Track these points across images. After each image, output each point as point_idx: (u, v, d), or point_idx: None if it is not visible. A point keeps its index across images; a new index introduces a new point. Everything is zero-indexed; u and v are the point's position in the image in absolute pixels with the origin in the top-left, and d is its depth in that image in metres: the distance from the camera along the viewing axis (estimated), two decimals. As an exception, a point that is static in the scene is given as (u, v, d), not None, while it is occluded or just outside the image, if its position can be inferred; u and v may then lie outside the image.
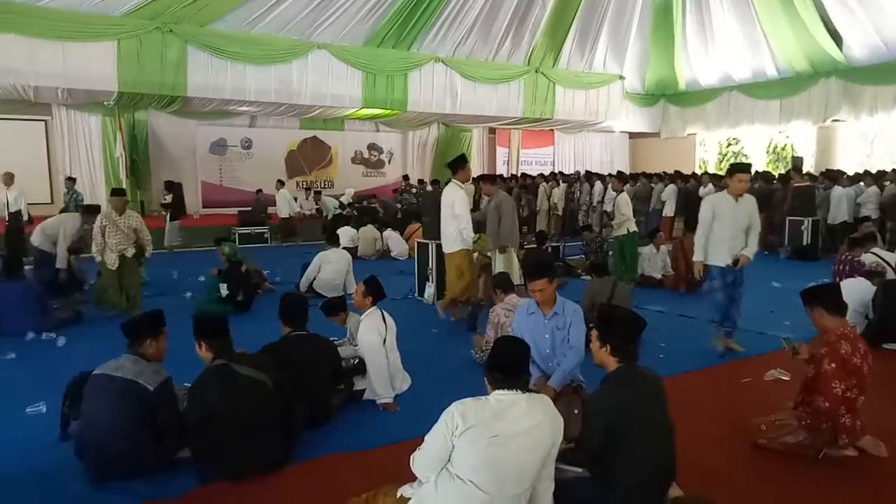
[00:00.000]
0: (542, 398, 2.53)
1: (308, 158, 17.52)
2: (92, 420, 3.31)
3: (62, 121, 14.04)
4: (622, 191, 9.09)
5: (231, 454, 3.26)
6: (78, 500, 3.12)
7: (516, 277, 7.46)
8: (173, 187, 12.27)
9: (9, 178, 10.57)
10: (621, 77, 17.95)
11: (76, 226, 7.55)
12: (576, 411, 3.44)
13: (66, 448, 3.55)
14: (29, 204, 13.28)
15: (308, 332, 4.20)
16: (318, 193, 15.54)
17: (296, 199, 14.69)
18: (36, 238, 7.62)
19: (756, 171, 13.79)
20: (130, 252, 6.77)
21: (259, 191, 14.69)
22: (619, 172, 10.11)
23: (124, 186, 14.24)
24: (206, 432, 3.27)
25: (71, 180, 10.87)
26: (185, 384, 3.76)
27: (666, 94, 19.60)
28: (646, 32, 17.35)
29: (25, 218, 10.52)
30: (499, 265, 7.94)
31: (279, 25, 12.79)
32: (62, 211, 10.52)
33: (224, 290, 6.98)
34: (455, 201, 6.63)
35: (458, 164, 6.76)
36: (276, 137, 16.88)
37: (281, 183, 14.00)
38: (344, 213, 14.22)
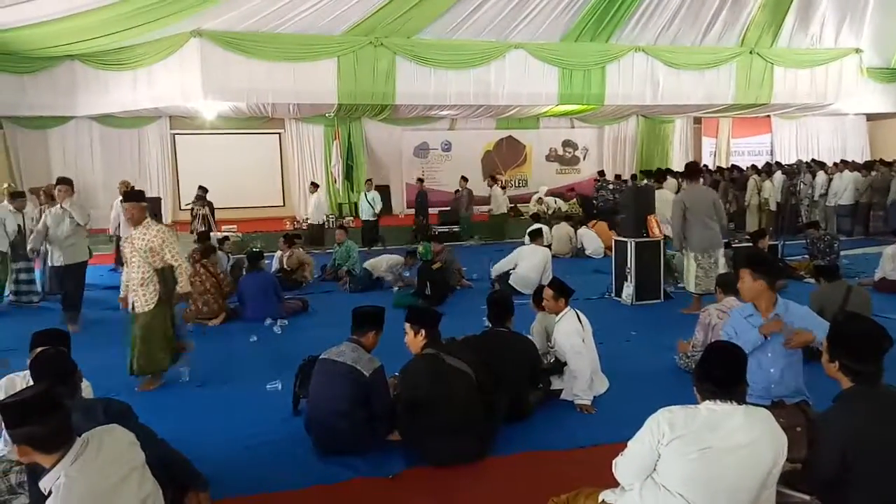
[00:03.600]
0: (761, 412, 2.30)
1: (503, 158, 17.86)
2: (317, 399, 3.72)
3: (292, 133, 15.96)
4: (660, 188, 7.83)
5: (435, 441, 3.45)
6: (304, 469, 3.51)
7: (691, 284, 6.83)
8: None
9: (125, 188, 9.51)
10: (857, 51, 15.60)
11: (400, 261, 8.66)
12: (798, 429, 3.09)
13: (297, 422, 4.03)
14: (263, 207, 15.37)
15: (509, 329, 4.30)
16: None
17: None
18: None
19: None
20: (148, 284, 4.76)
21: (457, 191, 15.29)
22: (657, 170, 8.61)
23: (339, 189, 15.74)
24: (415, 417, 3.49)
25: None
26: (395, 374, 4.05)
27: (918, 67, 16.63)
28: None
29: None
30: (689, 269, 7.07)
31: (478, 29, 13.18)
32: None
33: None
34: None
35: None
36: (473, 139, 17.47)
37: (315, 186, 13.28)
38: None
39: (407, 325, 3.74)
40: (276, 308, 7.07)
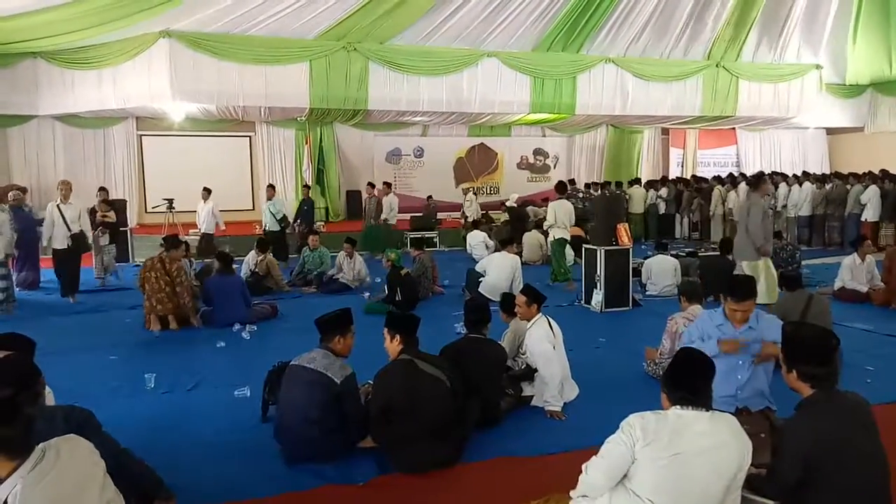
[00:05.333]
0: (726, 417, 2.36)
1: (475, 165, 17.95)
2: (287, 406, 3.68)
3: (263, 136, 15.77)
4: (558, 198, 9.12)
5: (408, 447, 3.44)
6: (273, 477, 3.46)
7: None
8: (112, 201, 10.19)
9: (67, 189, 8.26)
10: (818, 67, 16.12)
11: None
12: (762, 435, 3.17)
13: (265, 429, 3.97)
14: (232, 210, 15.01)
15: (484, 336, 4.31)
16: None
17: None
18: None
19: None
20: None
21: (429, 197, 15.32)
22: (559, 182, 9.89)
23: (310, 195, 15.47)
24: (388, 423, 3.48)
25: (21, 190, 9.13)
26: (368, 381, 4.03)
27: (875, 84, 17.23)
28: (850, 14, 15.39)
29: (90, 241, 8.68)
30: None
31: (452, 37, 13.25)
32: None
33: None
34: None
35: None
36: (445, 145, 17.52)
37: (207, 192, 11.66)
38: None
39: (385, 331, 3.74)
40: (244, 313, 6.96)
